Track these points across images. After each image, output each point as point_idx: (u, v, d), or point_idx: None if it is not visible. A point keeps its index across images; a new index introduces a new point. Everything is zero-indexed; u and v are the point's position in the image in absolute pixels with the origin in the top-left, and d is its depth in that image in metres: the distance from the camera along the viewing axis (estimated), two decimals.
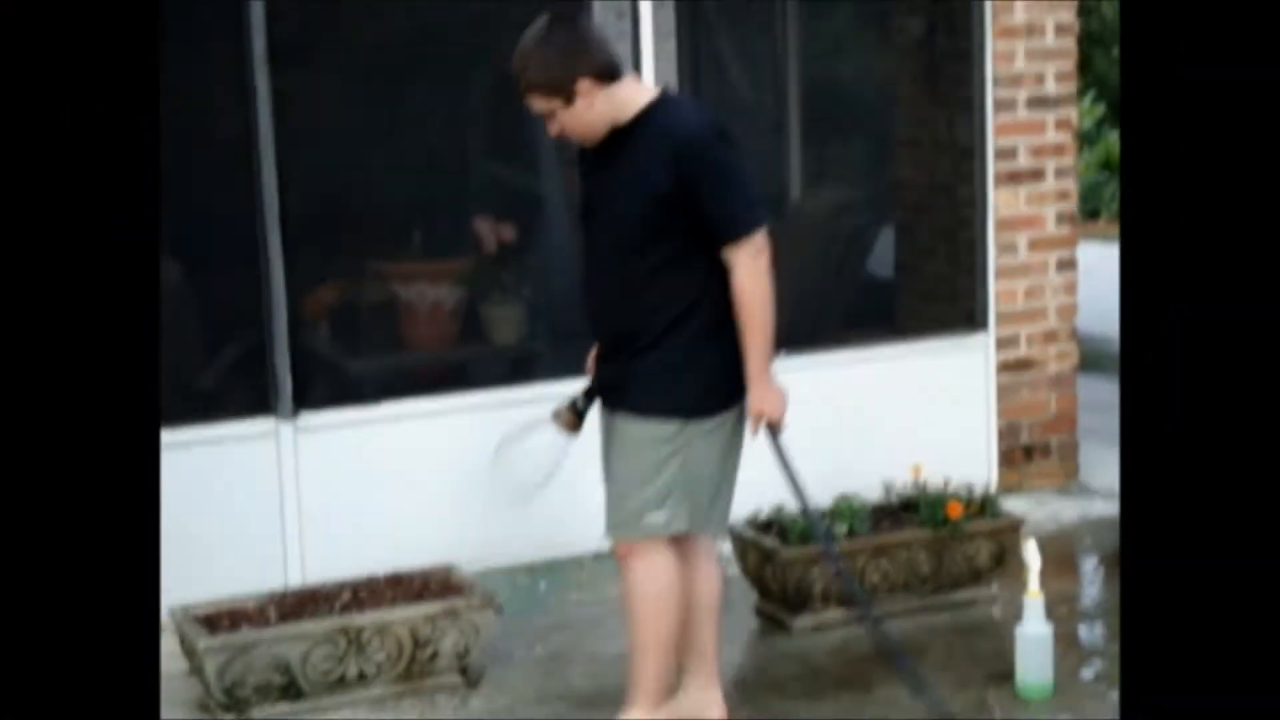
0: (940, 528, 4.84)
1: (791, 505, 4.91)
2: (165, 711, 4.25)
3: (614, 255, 3.79)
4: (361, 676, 4.27)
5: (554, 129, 3.77)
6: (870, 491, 5.02)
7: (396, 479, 5.09)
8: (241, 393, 4.98)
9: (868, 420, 5.57)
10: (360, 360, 5.38)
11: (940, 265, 6.03)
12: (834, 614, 4.74)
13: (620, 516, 3.84)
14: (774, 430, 3.84)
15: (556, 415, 4.05)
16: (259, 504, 4.89)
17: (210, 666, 4.12)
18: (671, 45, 5.81)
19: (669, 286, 3.74)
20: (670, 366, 3.76)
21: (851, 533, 4.82)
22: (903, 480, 5.02)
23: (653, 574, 3.84)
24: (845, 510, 4.87)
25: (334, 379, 5.21)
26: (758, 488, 5.13)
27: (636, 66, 5.39)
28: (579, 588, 5.14)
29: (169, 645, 4.56)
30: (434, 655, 4.34)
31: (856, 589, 3.97)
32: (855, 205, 6.18)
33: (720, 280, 3.74)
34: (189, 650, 4.27)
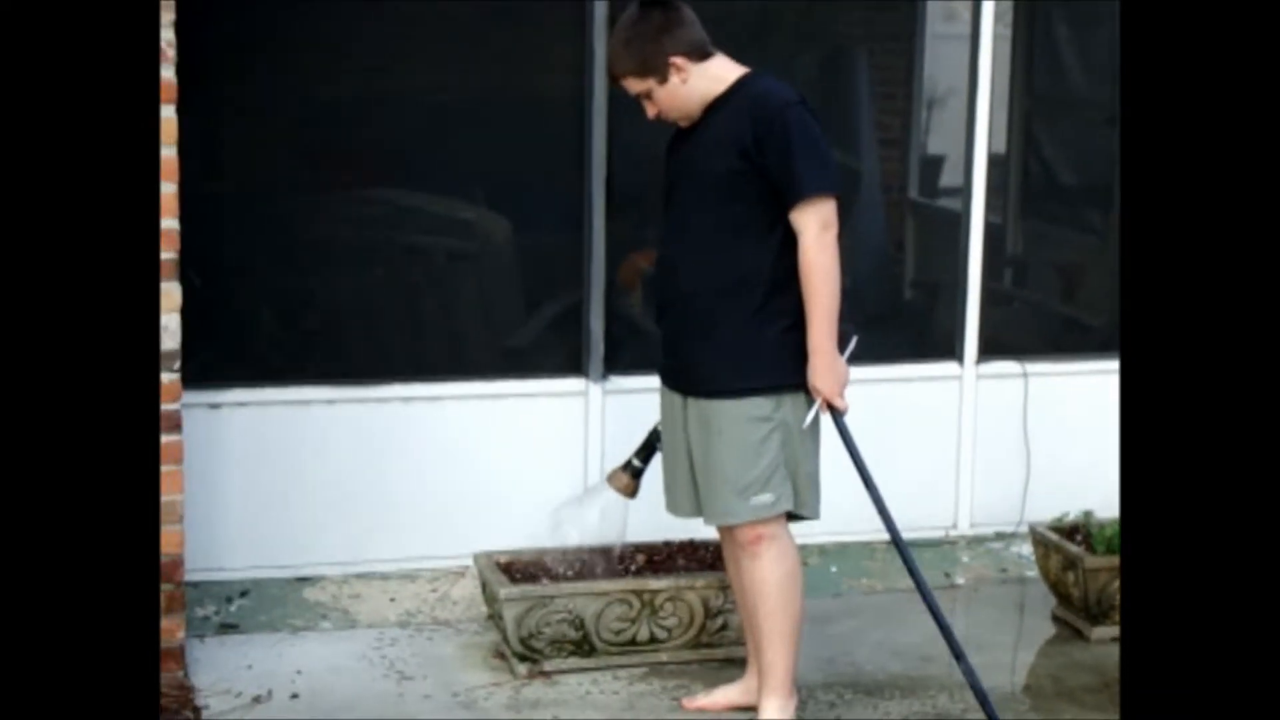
0: None
1: (1099, 511, 4.80)
2: (463, 656, 4.41)
3: (689, 213, 3.82)
4: (652, 640, 4.33)
5: (651, 111, 3.87)
6: None
7: None
8: (556, 352, 5.08)
9: None
10: None
11: None
12: None
13: (724, 503, 3.82)
14: (834, 410, 3.79)
15: (611, 478, 4.16)
16: (563, 459, 4.99)
17: (509, 615, 4.23)
18: (1006, 29, 5.66)
19: (739, 251, 3.75)
20: (746, 341, 3.76)
21: None
22: None
23: (782, 560, 3.85)
24: None
25: (642, 345, 5.26)
26: (1068, 491, 5.03)
27: (974, 48, 5.28)
28: (870, 574, 5.10)
29: (471, 590, 4.73)
30: (723, 627, 4.37)
31: (937, 605, 3.85)
32: None
33: (795, 261, 3.72)
34: (489, 597, 4.39)
